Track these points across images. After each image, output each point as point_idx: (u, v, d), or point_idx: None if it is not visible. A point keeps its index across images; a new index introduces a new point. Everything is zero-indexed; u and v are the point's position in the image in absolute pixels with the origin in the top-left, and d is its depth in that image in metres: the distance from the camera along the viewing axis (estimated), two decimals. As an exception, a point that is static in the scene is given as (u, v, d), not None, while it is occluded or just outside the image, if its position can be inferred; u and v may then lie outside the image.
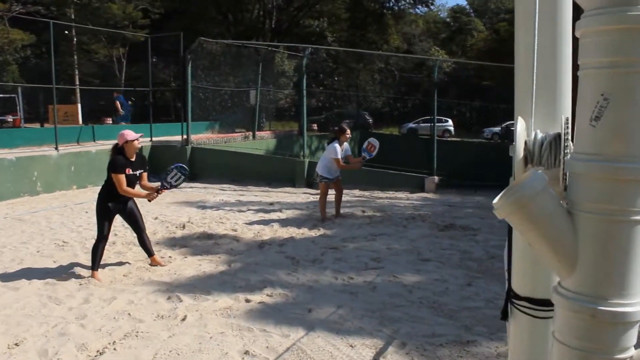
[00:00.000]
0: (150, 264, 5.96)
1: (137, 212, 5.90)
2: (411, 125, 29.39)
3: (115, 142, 5.77)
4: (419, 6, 33.26)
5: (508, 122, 27.16)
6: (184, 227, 7.92)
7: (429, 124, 19.71)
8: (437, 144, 14.02)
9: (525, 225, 0.79)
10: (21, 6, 26.63)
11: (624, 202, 0.71)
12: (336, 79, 31.04)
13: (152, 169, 13.46)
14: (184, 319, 4.30)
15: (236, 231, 7.65)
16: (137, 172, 5.71)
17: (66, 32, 27.14)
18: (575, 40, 1.24)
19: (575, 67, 1.19)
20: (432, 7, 36.63)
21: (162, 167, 12.99)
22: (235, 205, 9.95)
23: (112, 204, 5.64)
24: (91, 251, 5.64)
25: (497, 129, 27.33)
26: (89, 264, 5.76)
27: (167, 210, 9.41)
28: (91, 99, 29.24)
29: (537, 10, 1.03)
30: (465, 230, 7.67)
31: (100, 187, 5.80)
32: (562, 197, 0.95)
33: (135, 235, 6.06)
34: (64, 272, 5.70)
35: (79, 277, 5.54)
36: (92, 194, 11.04)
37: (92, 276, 5.48)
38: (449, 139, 26.16)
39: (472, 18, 43.97)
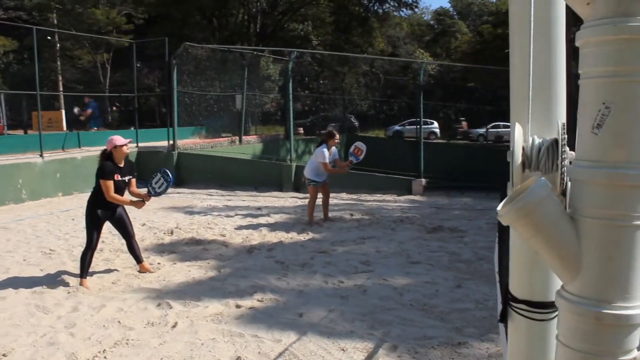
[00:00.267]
0: (139, 271, 5.92)
1: (127, 218, 5.86)
2: (397, 127, 29.51)
3: (103, 147, 5.73)
4: (403, 9, 33.44)
5: (493, 124, 27.41)
6: (172, 233, 7.88)
7: (415, 127, 19.82)
8: (423, 146, 14.09)
9: (530, 231, 0.81)
10: (2, 12, 26.38)
11: (626, 207, 0.73)
12: (322, 82, 31.09)
13: (138, 175, 13.39)
14: (174, 326, 4.28)
15: (225, 236, 7.62)
16: (126, 178, 5.68)
17: (49, 37, 26.92)
18: (568, 47, 1.27)
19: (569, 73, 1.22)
20: (416, 9, 36.84)
21: (148, 173, 12.91)
22: (223, 210, 9.92)
23: (102, 211, 5.60)
24: (80, 259, 5.59)
25: (482, 130, 27.53)
26: (77, 271, 5.71)
27: (154, 216, 9.36)
28: (76, 105, 29.01)
29: (532, 17, 1.05)
30: (453, 232, 7.72)
31: (87, 194, 5.76)
32: (561, 201, 0.97)
33: (123, 241, 6.02)
34: (52, 281, 5.64)
35: (67, 285, 5.49)
36: (78, 201, 10.96)
37: (81, 284, 5.44)
38: (434, 140, 26.33)
39: (456, 20, 44.28)
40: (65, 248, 7.08)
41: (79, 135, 15.04)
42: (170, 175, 5.87)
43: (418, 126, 14.72)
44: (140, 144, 14.46)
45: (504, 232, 1.81)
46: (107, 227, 6.06)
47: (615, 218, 0.74)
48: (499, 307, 2.17)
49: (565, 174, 0.91)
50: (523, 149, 0.94)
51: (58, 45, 28.24)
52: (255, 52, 20.09)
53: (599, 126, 0.75)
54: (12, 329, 4.32)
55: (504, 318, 1.31)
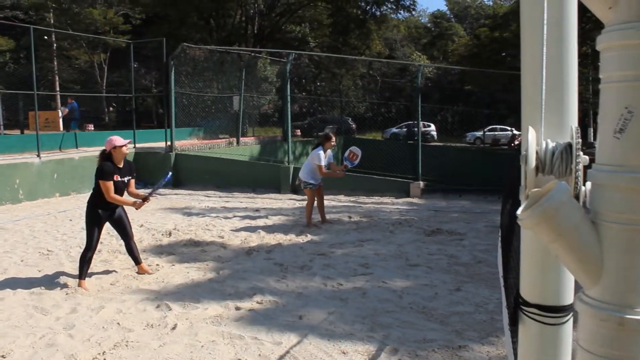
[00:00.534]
0: (138, 272, 5.90)
1: (126, 219, 5.85)
2: (394, 130, 29.53)
3: (101, 148, 5.72)
4: (401, 11, 33.48)
5: (490, 127, 27.46)
6: (170, 234, 7.86)
7: (412, 129, 19.84)
8: (421, 148, 14.09)
9: (550, 236, 0.81)
10: (-1, 11, 26.34)
11: None
12: (319, 84, 31.10)
13: (136, 175, 13.38)
14: (174, 328, 4.27)
15: (223, 238, 7.61)
16: (125, 179, 5.67)
17: (45, 37, 26.85)
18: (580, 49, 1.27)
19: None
20: (413, 12, 36.90)
21: (146, 173, 12.98)
22: (221, 211, 9.91)
23: (102, 212, 5.58)
24: (79, 259, 5.57)
25: (479, 133, 27.59)
26: (75, 272, 5.70)
27: (152, 217, 9.33)
28: (62, 105, 28.94)
29: (544, 18, 1.05)
30: (451, 235, 7.72)
31: (84, 195, 5.75)
32: None
33: (121, 242, 6.01)
34: (50, 282, 5.62)
35: (65, 286, 5.47)
36: (75, 201, 10.94)
37: (79, 285, 5.41)
38: (432, 143, 26.35)
39: (453, 23, 44.38)
40: (63, 249, 7.06)
41: (76, 135, 15.02)
42: (169, 175, 5.90)
43: (415, 128, 14.72)
44: (137, 145, 14.44)
45: (510, 235, 1.81)
46: (106, 228, 6.04)
47: (637, 223, 0.74)
48: (504, 310, 2.17)
49: (579, 178, 0.91)
50: (536, 152, 0.94)
51: (55, 45, 28.18)
52: (252, 54, 20.09)
53: (622, 131, 0.75)
54: (10, 330, 4.30)
55: (514, 322, 1.30)
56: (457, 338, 4.10)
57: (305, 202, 8.81)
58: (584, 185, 0.94)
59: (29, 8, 27.91)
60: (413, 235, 7.72)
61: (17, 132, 22.27)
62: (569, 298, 1.22)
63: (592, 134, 29.58)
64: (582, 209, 0.81)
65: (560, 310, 1.19)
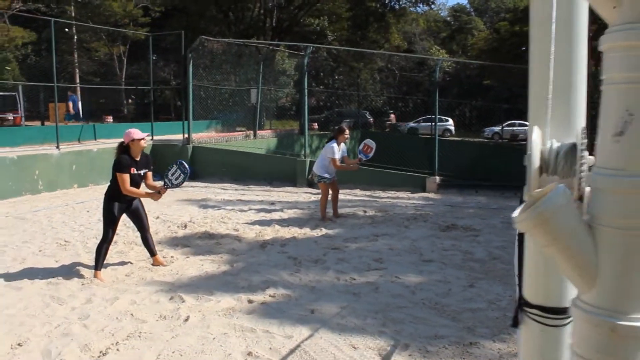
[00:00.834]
0: (153, 264, 5.96)
1: (143, 211, 5.90)
2: (411, 124, 29.39)
3: (119, 140, 5.76)
4: (420, 4, 33.22)
5: (509, 122, 27.18)
6: (185, 226, 7.92)
7: (430, 124, 19.69)
8: (438, 143, 14.00)
9: (546, 239, 0.80)
10: (22, 3, 26.60)
11: None
12: (337, 77, 31.02)
13: (153, 168, 13.50)
14: (186, 320, 4.30)
15: (238, 231, 7.65)
16: (142, 172, 5.71)
17: (67, 29, 27.13)
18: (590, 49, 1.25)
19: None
20: (433, 6, 36.62)
21: (163, 166, 12.98)
22: (236, 204, 9.95)
23: (118, 204, 5.63)
24: (95, 251, 5.64)
25: (497, 128, 27.34)
26: (91, 263, 5.77)
27: (168, 209, 9.41)
28: (92, 97, 29.24)
29: (553, 16, 1.03)
30: (467, 231, 7.67)
31: (102, 186, 5.80)
32: (578, 207, 0.95)
33: (137, 234, 6.06)
34: (67, 272, 5.70)
35: (81, 276, 5.55)
36: (93, 192, 11.07)
37: (95, 276, 5.48)
38: (449, 138, 26.18)
39: (473, 17, 43.95)
40: (80, 240, 7.14)
41: (94, 127, 15.17)
42: (187, 167, 5.88)
43: (433, 123, 14.64)
44: (155, 137, 14.54)
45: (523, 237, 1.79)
46: (122, 220, 6.09)
47: (633, 227, 0.72)
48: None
49: (583, 179, 0.89)
50: (541, 152, 0.92)
51: (75, 37, 28.46)
52: (271, 47, 20.10)
53: (622, 133, 0.73)
54: (27, 319, 4.37)
55: (516, 323, 1.29)
56: (469, 334, 4.08)
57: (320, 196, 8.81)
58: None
59: (50, 1, 28.20)
60: (428, 231, 7.68)
61: (38, 123, 22.59)
62: (570, 300, 1.20)
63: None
64: (580, 212, 0.80)
65: (561, 312, 1.17)
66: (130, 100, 33.18)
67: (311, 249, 6.69)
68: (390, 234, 7.46)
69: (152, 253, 5.98)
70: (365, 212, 9.13)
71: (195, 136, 14.23)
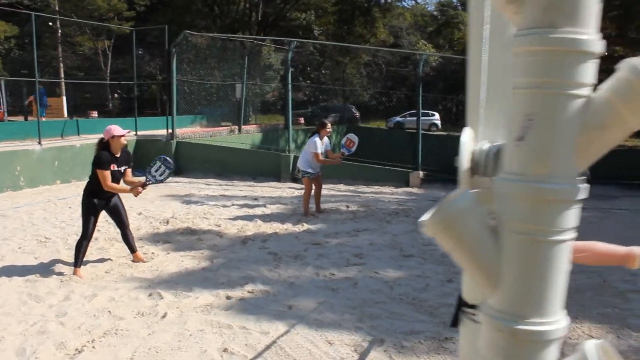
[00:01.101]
0: (133, 260, 5.95)
1: (122, 208, 5.88)
2: (398, 119, 29.41)
3: (101, 136, 5.73)
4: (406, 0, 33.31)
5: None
6: (167, 222, 7.91)
7: (416, 118, 19.71)
8: (422, 138, 14.06)
9: (450, 243, 0.81)
10: (4, -3, 26.27)
11: (545, 222, 0.74)
12: (323, 72, 30.99)
13: (136, 164, 13.41)
14: (164, 316, 4.31)
15: (220, 227, 7.65)
16: (122, 168, 5.68)
17: (50, 23, 26.84)
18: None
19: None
20: (419, 0, 36.70)
21: (147, 161, 12.96)
22: (219, 200, 9.94)
23: (98, 200, 5.61)
24: (75, 248, 5.62)
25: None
26: (71, 260, 5.75)
27: (151, 205, 9.38)
28: (77, 92, 29.01)
29: (487, 20, 1.06)
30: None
31: (85, 182, 5.77)
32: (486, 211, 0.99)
33: (118, 231, 6.04)
34: (46, 269, 5.68)
35: (60, 274, 5.53)
36: (75, 188, 10.99)
37: (74, 273, 5.46)
38: (435, 132, 26.24)
39: (460, 12, 44.05)
40: (61, 236, 7.11)
41: (77, 122, 15.05)
42: (171, 162, 5.86)
43: (417, 118, 14.68)
44: (139, 132, 14.46)
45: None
46: (103, 217, 6.07)
47: (533, 232, 0.75)
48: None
49: None
50: (472, 154, 0.95)
51: (60, 31, 28.17)
52: (255, 41, 20.02)
53: (522, 138, 0.76)
54: (3, 317, 4.36)
55: (455, 322, 1.32)
56: (445, 330, 4.13)
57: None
58: None
59: (33, -6, 27.87)
60: (409, 226, 7.73)
61: (21, 118, 22.36)
62: None
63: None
64: (485, 216, 0.82)
65: None
66: (116, 95, 32.95)
67: (292, 244, 6.71)
68: (371, 229, 7.50)
69: (132, 250, 5.97)
70: (347, 207, 9.16)
71: (179, 131, 14.17)
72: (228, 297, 4.77)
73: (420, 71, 13.62)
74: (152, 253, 6.30)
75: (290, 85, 13.76)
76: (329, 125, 8.51)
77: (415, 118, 14.56)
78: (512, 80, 0.78)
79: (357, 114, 29.10)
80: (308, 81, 29.44)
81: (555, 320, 0.77)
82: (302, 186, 9.34)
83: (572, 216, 0.77)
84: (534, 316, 0.75)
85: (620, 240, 1.45)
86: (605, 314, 4.56)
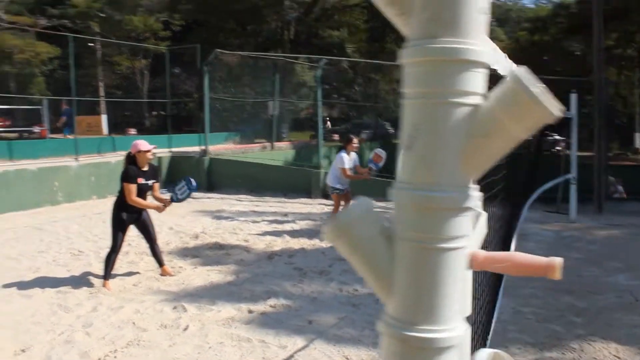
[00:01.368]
0: (161, 274, 6.07)
1: (150, 222, 6.01)
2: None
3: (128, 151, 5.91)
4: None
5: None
6: (197, 237, 8.04)
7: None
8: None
9: (347, 250, 0.83)
10: (47, 20, 27.33)
11: (432, 229, 0.75)
12: (356, 89, 31.08)
13: (169, 179, 13.70)
14: (186, 329, 4.39)
15: (248, 242, 7.74)
16: (150, 182, 5.83)
17: (91, 44, 27.73)
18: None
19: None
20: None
21: (180, 176, 13.28)
22: (250, 215, 10.05)
23: (127, 214, 5.77)
24: (104, 261, 5.78)
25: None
26: (101, 273, 5.90)
27: (182, 220, 9.55)
28: (116, 110, 29.79)
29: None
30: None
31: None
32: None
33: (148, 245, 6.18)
34: (77, 281, 5.85)
35: (90, 285, 5.69)
36: (111, 204, 11.26)
37: (103, 285, 5.62)
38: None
39: (494, 27, 43.79)
40: (94, 250, 7.30)
41: (114, 139, 15.47)
42: (194, 183, 5.99)
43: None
44: (174, 149, 14.78)
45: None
46: (136, 231, 6.22)
47: (422, 240, 0.76)
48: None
49: None
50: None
51: (100, 51, 29.09)
52: (286, 59, 20.29)
53: (409, 147, 0.78)
54: (33, 326, 4.51)
55: None
56: (464, 346, 4.08)
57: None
58: None
59: (74, 17, 28.88)
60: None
61: (61, 136, 23.11)
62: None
63: (638, 139, 28.66)
64: (382, 223, 0.83)
65: None
66: (154, 113, 33.72)
67: (318, 260, 6.74)
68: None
69: (160, 263, 6.10)
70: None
71: (212, 148, 14.42)
72: (250, 311, 4.82)
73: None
74: (180, 267, 6.42)
75: (320, 102, 13.88)
76: (355, 140, 8.52)
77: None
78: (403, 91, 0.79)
79: (391, 130, 29.04)
80: (343, 98, 29.57)
81: (449, 328, 0.77)
82: (333, 202, 9.37)
83: (460, 224, 0.78)
84: (424, 323, 0.76)
85: None
86: (634, 335, 4.44)
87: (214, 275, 6.09)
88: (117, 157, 13.24)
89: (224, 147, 15.78)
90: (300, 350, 3.98)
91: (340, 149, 8.57)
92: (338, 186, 8.39)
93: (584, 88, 15.65)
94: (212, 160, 13.90)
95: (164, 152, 14.28)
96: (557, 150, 22.62)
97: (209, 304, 5.03)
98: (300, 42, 30.97)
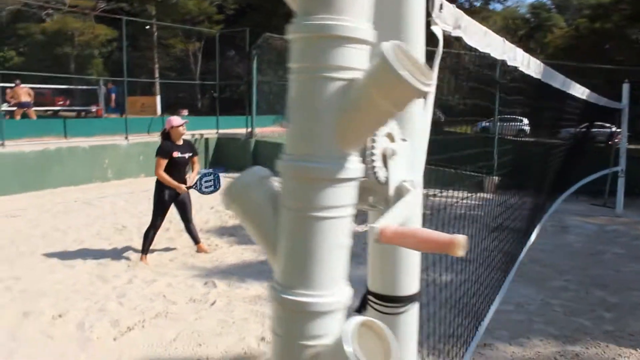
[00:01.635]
0: (197, 251, 6.26)
1: (189, 202, 6.16)
2: (484, 124, 28.63)
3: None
4: (493, 2, 32.29)
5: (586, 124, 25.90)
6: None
7: (505, 123, 19.06)
8: (504, 143, 13.63)
9: (239, 215, 0.87)
10: (105, 3, 28.16)
11: (308, 199, 0.76)
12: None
13: (215, 160, 13.98)
14: (213, 304, 4.53)
15: (284, 223, 7.83)
16: (186, 155, 5.98)
17: (147, 27, 28.42)
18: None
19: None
20: (506, 3, 35.44)
21: (226, 157, 13.57)
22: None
23: (168, 193, 5.95)
24: (143, 236, 6.00)
25: (573, 130, 26.13)
26: (141, 247, 6.13)
27: (223, 200, 9.74)
28: (170, 91, 30.48)
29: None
30: (513, 233, 7.50)
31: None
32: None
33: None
34: (117, 254, 6.10)
35: (129, 259, 5.92)
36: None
37: (141, 259, 5.84)
38: (523, 138, 25.29)
39: (553, 14, 42.25)
40: (136, 225, 7.56)
41: (163, 120, 15.83)
42: (221, 183, 6.15)
43: (501, 123, 14.29)
44: (221, 131, 15.04)
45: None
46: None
47: (299, 209, 0.78)
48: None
49: (375, 164, 0.96)
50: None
51: (155, 33, 29.79)
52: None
53: (289, 120, 0.81)
54: (72, 294, 4.75)
55: (360, 309, 1.35)
56: (485, 336, 4.04)
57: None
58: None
59: (132, 0, 29.65)
60: (473, 231, 7.56)
61: (117, 115, 23.88)
62: (406, 289, 1.26)
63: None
64: (272, 192, 0.86)
65: (396, 301, 1.23)
66: (207, 95, 34.34)
67: (352, 243, 6.75)
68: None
69: (196, 241, 6.27)
70: (414, 210, 9.08)
71: (259, 130, 14.59)
72: (277, 290, 4.91)
73: (497, 76, 13.24)
74: (216, 245, 6.59)
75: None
76: None
77: (502, 123, 14.16)
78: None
79: (442, 118, 28.58)
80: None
81: (325, 294, 0.80)
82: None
83: (337, 194, 0.80)
84: (299, 288, 0.78)
85: None
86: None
87: (247, 254, 6.22)
88: (166, 137, 13.60)
89: (270, 130, 15.93)
90: (320, 329, 4.04)
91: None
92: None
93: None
94: (258, 143, 14.08)
95: (211, 134, 14.57)
96: (614, 142, 21.77)
97: (239, 281, 5.15)
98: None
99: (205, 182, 6.10)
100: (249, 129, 14.21)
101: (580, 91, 5.63)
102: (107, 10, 25.67)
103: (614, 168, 9.70)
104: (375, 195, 1.05)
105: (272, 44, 15.38)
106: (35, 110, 16.96)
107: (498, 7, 35.83)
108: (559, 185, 8.15)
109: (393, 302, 1.24)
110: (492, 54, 2.13)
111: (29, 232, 7.08)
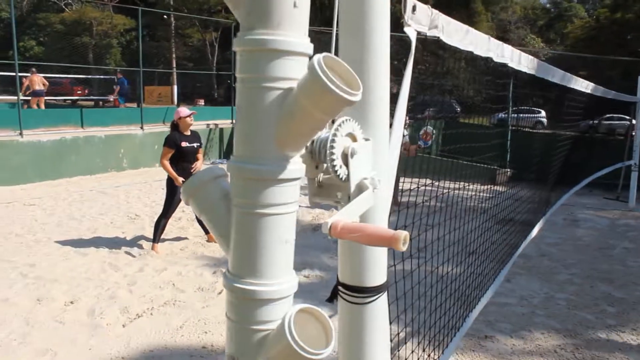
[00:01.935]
0: (207, 241, 6.37)
1: None
2: (501, 115, 28.39)
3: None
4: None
5: (607, 115, 25.60)
6: (248, 207, 8.29)
7: (524, 115, 18.92)
8: (518, 135, 13.59)
9: (197, 210, 0.96)
10: (124, -7, 28.31)
11: (251, 197, 0.85)
12: (426, 66, 30.51)
13: (230, 150, 14.04)
14: (220, 292, 4.63)
15: (297, 214, 7.90)
16: (195, 145, 6.07)
17: (165, 17, 28.57)
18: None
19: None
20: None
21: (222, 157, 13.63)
22: (302, 189, 10.21)
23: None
24: (154, 225, 6.12)
25: (592, 122, 25.81)
26: (152, 236, 6.25)
27: (236, 190, 9.85)
28: (187, 81, 30.69)
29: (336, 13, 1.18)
30: (523, 226, 7.50)
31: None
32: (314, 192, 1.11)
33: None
34: (129, 243, 6.23)
35: (140, 247, 6.04)
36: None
37: (152, 248, 5.96)
38: (540, 130, 25.05)
39: (574, 4, 41.66)
40: (149, 214, 7.70)
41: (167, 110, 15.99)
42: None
43: (519, 114, 14.23)
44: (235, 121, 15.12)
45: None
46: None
47: (244, 206, 0.86)
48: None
49: (334, 163, 1.03)
50: (313, 141, 1.05)
51: (173, 23, 29.94)
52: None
53: (236, 125, 0.89)
54: (84, 281, 4.88)
55: (331, 298, 1.42)
56: (487, 328, 4.11)
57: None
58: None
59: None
60: (481, 223, 7.58)
61: (135, 105, 24.11)
62: (374, 280, 1.32)
63: None
64: (226, 190, 0.93)
65: (363, 291, 1.30)
66: (223, 85, 34.48)
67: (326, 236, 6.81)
68: (442, 224, 7.43)
69: (207, 230, 6.38)
70: (425, 201, 9.10)
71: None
72: (283, 280, 5.00)
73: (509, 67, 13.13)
74: (226, 235, 6.68)
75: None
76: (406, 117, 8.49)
77: (522, 115, 14.09)
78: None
79: (458, 109, 28.38)
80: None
81: (270, 283, 0.88)
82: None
83: (279, 193, 0.88)
84: (248, 277, 0.87)
85: None
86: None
87: (257, 244, 6.30)
88: (181, 127, 13.74)
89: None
90: (323, 319, 4.12)
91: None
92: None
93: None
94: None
95: (226, 124, 14.69)
96: (632, 134, 21.49)
97: (247, 271, 5.24)
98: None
99: None
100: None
101: (583, 85, 5.61)
102: (125, 0, 25.83)
103: (628, 162, 9.62)
104: (340, 191, 1.12)
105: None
106: (54, 100, 17.21)
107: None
108: (571, 177, 8.12)
109: (361, 292, 1.31)
110: (476, 52, 2.17)
111: (44, 220, 7.25)
